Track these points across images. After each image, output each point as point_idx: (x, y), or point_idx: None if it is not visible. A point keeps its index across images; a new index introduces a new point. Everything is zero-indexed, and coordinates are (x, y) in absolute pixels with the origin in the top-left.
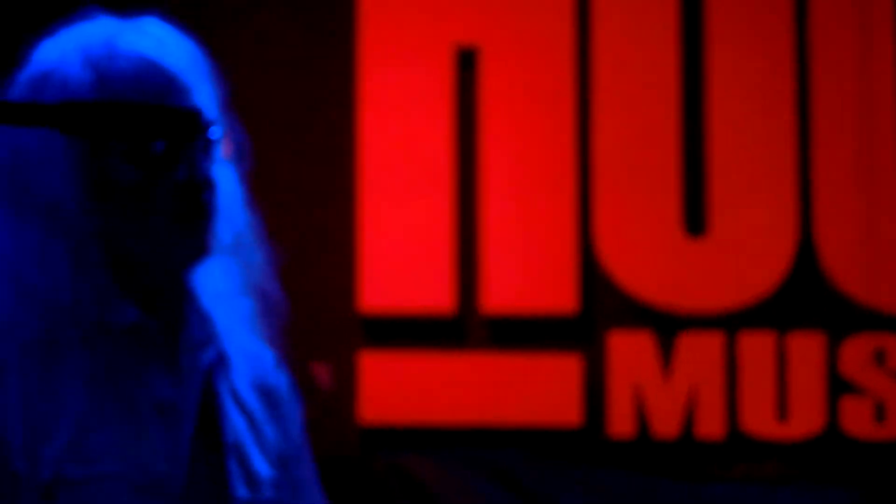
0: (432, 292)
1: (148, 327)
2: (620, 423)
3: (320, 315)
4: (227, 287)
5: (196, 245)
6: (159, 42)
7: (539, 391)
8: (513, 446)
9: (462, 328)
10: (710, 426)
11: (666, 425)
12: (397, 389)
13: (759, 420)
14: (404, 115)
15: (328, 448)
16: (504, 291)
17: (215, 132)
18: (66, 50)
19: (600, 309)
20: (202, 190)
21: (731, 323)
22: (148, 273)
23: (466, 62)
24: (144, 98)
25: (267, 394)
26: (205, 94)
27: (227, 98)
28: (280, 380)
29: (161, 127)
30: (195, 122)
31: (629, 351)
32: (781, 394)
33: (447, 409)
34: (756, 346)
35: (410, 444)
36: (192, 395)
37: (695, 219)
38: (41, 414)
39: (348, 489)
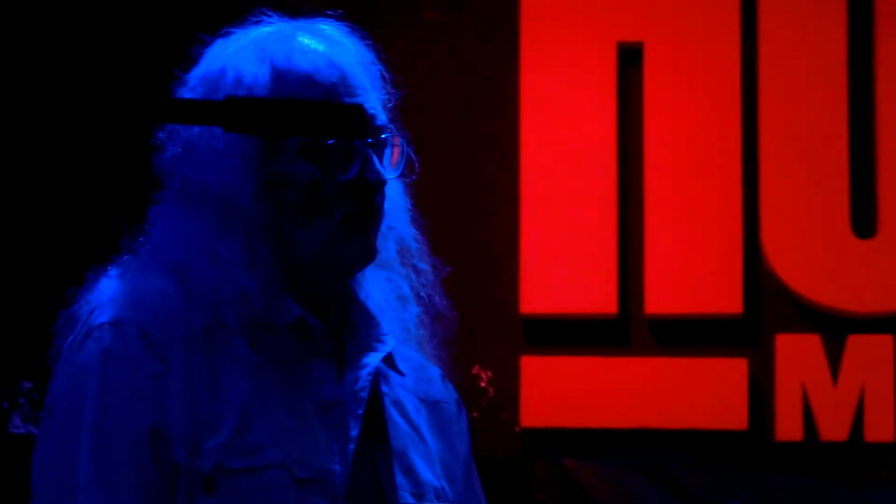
0: (594, 294)
1: (312, 326)
2: (787, 427)
3: (481, 319)
4: (392, 296)
5: (364, 247)
6: (334, 42)
7: (704, 394)
8: (676, 450)
9: (625, 330)
10: (879, 429)
11: (834, 428)
12: (559, 392)
13: None
14: (567, 115)
15: (490, 450)
16: (668, 292)
17: (388, 134)
18: (241, 47)
19: (767, 311)
20: (374, 191)
21: None
22: (314, 272)
23: (630, 59)
24: (318, 95)
25: (433, 408)
26: (376, 97)
27: (398, 103)
28: (447, 395)
29: (336, 124)
30: (367, 121)
31: (796, 353)
32: None
33: (609, 412)
34: None
35: (572, 448)
36: (357, 397)
37: (863, 220)
38: (204, 406)
39: (509, 492)
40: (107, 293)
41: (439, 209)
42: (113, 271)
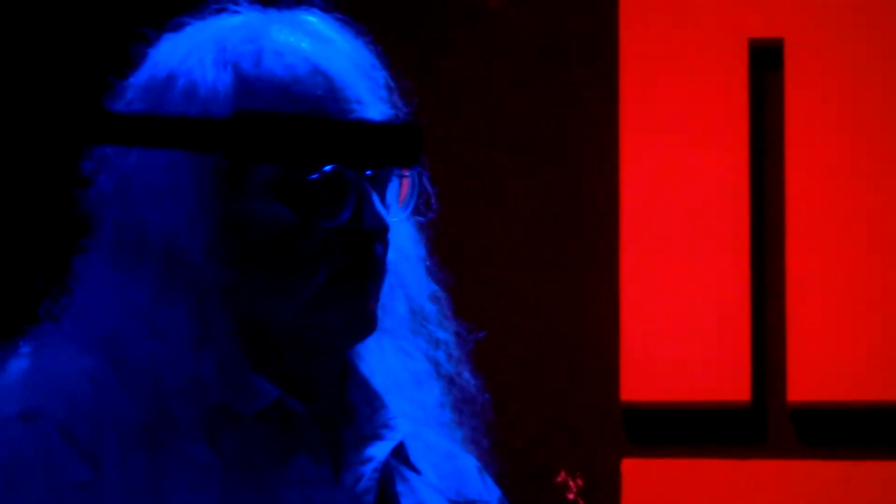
0: (719, 375)
1: (292, 411)
2: None
3: (568, 409)
4: (404, 372)
5: (358, 316)
6: (321, 39)
7: None
8: None
9: (761, 423)
10: None
11: None
12: None
13: None
14: (680, 139)
15: None
16: (818, 373)
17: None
18: (196, 46)
19: None
20: (372, 240)
21: None
22: (294, 348)
23: (766, 61)
24: (298, 111)
25: None
26: (379, 112)
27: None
28: (485, 493)
29: (378, 149)
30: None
31: None
32: None
33: None
34: None
35: None
36: (359, 500)
37: None
38: None
39: None
40: (15, 376)
41: (506, 255)
42: (24, 347)
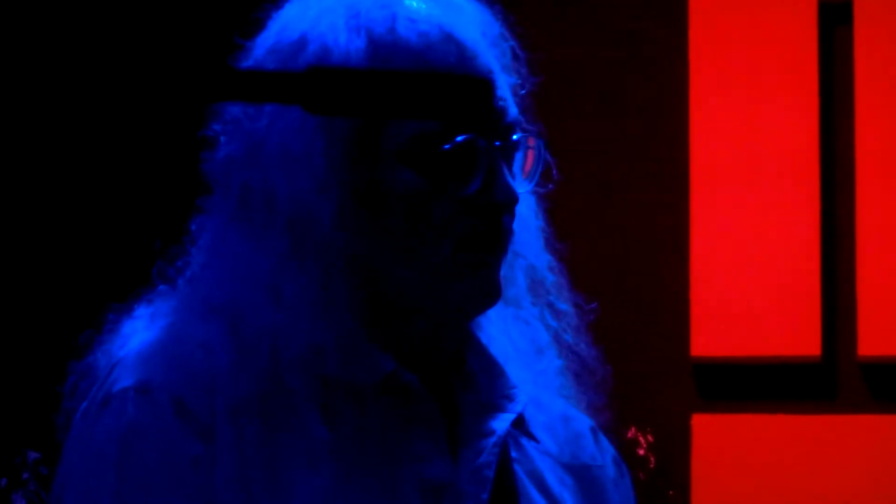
0: (789, 330)
1: (408, 384)
2: None
3: (639, 365)
4: (524, 342)
5: (485, 284)
6: (452, 7)
7: None
8: None
9: (831, 377)
10: None
11: None
12: (742, 461)
13: None
14: (749, 96)
15: None
16: (888, 328)
17: (520, 135)
18: (327, 10)
19: None
20: (502, 211)
21: None
22: (418, 317)
23: (835, 18)
24: None
25: (582, 475)
26: (507, 83)
27: (534, 93)
28: (599, 456)
29: (453, 103)
30: (492, 101)
31: None
32: None
33: (810, 488)
34: None
35: None
36: (480, 476)
37: None
38: (264, 496)
39: None
40: (131, 344)
41: (582, 221)
42: (140, 310)
